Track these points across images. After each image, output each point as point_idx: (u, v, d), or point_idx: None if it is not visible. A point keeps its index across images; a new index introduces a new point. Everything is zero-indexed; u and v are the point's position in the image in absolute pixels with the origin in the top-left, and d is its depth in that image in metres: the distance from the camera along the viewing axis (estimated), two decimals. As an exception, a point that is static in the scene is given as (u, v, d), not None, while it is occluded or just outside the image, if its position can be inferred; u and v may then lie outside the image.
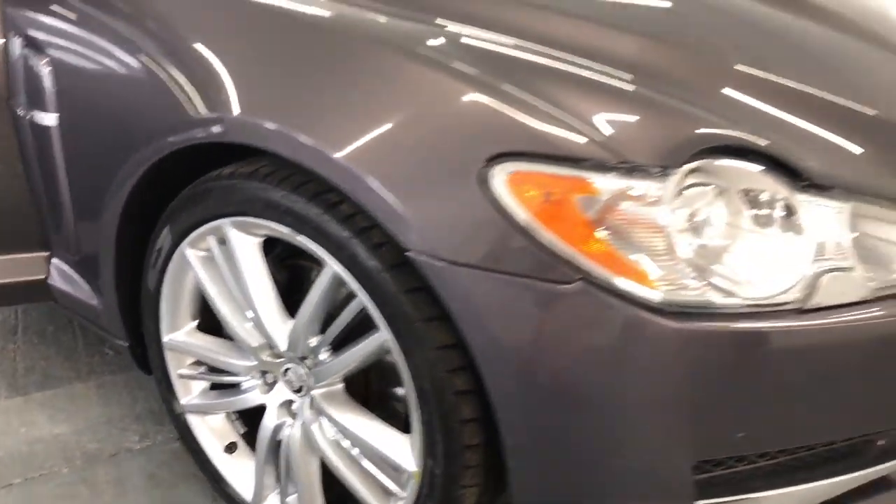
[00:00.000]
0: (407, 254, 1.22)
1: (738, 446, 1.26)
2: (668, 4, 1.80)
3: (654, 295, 1.16)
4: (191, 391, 1.71)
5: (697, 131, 1.25)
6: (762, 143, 1.25)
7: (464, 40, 1.38)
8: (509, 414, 1.24)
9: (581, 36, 1.46)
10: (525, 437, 1.25)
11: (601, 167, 1.18)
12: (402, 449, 1.38)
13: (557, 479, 1.27)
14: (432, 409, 1.29)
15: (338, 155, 1.25)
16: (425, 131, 1.24)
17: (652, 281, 1.17)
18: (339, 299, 1.39)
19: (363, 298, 1.30)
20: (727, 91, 1.40)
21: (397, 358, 1.30)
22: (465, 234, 1.20)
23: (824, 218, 1.25)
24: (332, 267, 1.32)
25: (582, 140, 1.19)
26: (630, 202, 1.18)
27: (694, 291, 1.18)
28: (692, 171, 1.21)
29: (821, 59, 1.68)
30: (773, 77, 1.46)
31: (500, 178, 1.18)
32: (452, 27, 1.41)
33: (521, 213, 1.17)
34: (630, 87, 1.31)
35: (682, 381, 1.19)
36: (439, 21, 1.43)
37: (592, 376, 1.20)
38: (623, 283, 1.16)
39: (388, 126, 1.26)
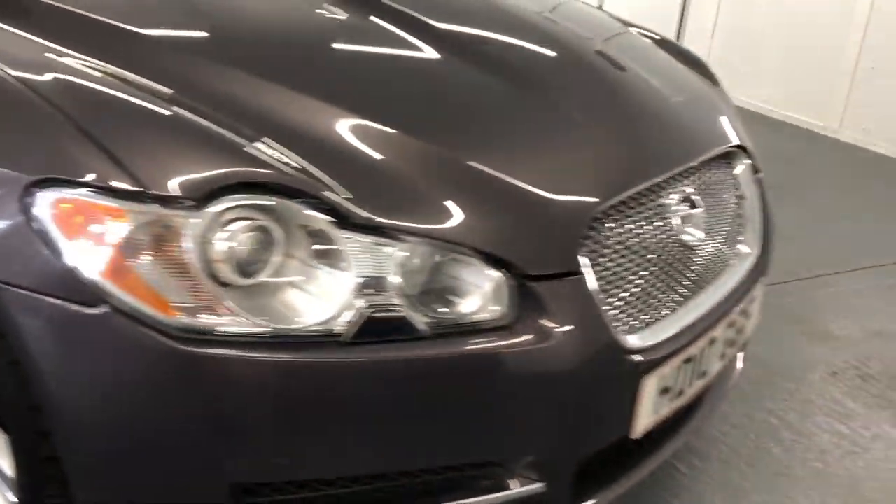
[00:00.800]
0: (-41, 271, 1.28)
1: (283, 472, 1.30)
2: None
3: (172, 321, 1.21)
4: None
5: (239, 168, 1.29)
6: (307, 182, 1.30)
7: (68, 77, 1.43)
8: (59, 428, 1.29)
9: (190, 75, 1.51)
10: (73, 450, 1.30)
11: (135, 197, 1.23)
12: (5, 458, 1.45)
13: (107, 493, 1.32)
14: (11, 421, 1.35)
15: None
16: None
17: (173, 308, 1.21)
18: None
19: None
20: (300, 129, 1.42)
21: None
22: (7, 253, 1.26)
23: (375, 257, 1.29)
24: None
25: (117, 170, 1.24)
26: (160, 232, 1.22)
27: (217, 319, 1.22)
28: (238, 206, 1.25)
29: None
30: (356, 115, 1.49)
31: (42, 203, 1.24)
32: (70, 57, 1.48)
33: (56, 237, 1.23)
34: (196, 124, 1.35)
35: (201, 405, 1.24)
36: (59, 49, 1.50)
37: (116, 398, 1.25)
38: (144, 309, 1.21)
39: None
